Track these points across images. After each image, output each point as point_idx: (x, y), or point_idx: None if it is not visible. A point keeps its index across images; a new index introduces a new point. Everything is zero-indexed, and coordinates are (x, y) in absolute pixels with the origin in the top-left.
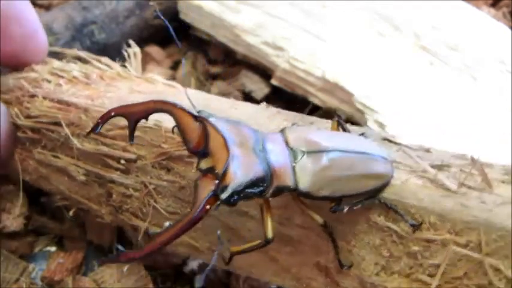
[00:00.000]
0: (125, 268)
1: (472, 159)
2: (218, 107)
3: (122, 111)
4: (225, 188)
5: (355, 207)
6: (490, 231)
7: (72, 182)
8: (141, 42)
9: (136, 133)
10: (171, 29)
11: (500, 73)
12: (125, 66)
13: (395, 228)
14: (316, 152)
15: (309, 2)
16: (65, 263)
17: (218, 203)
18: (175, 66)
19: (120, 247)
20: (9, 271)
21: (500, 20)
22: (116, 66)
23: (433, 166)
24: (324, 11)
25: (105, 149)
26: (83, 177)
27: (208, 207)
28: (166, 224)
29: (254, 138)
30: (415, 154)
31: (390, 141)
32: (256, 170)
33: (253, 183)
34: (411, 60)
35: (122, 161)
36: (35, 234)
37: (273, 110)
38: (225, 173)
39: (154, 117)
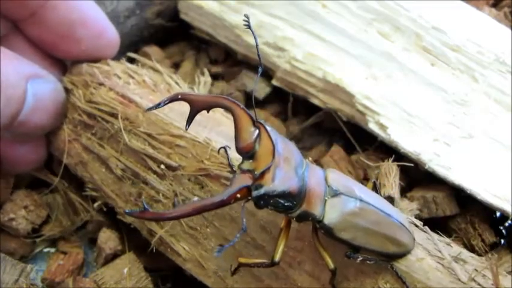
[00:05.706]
0: (125, 270)
1: (491, 260)
2: None
3: (188, 97)
4: (259, 186)
5: (368, 262)
6: None
7: (108, 174)
8: (141, 42)
9: (185, 144)
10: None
11: (501, 74)
12: (192, 89)
13: None
14: (349, 196)
15: (309, 2)
16: (65, 265)
17: (249, 198)
18: (174, 66)
19: (145, 204)
20: (7, 272)
21: (501, 21)
22: (184, 85)
23: (450, 256)
24: (324, 11)
25: (150, 150)
26: (119, 172)
27: (238, 196)
28: (194, 198)
29: (299, 160)
30: (436, 240)
31: (416, 226)
32: (292, 185)
33: (285, 196)
34: (412, 61)
35: (162, 166)
36: (34, 235)
37: None
38: (263, 174)
39: (205, 135)
